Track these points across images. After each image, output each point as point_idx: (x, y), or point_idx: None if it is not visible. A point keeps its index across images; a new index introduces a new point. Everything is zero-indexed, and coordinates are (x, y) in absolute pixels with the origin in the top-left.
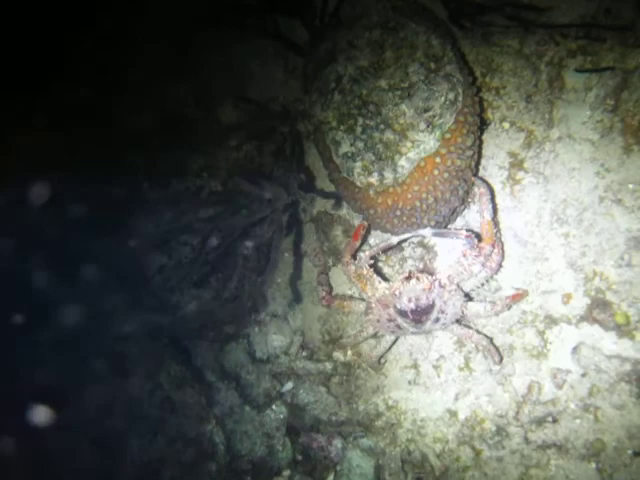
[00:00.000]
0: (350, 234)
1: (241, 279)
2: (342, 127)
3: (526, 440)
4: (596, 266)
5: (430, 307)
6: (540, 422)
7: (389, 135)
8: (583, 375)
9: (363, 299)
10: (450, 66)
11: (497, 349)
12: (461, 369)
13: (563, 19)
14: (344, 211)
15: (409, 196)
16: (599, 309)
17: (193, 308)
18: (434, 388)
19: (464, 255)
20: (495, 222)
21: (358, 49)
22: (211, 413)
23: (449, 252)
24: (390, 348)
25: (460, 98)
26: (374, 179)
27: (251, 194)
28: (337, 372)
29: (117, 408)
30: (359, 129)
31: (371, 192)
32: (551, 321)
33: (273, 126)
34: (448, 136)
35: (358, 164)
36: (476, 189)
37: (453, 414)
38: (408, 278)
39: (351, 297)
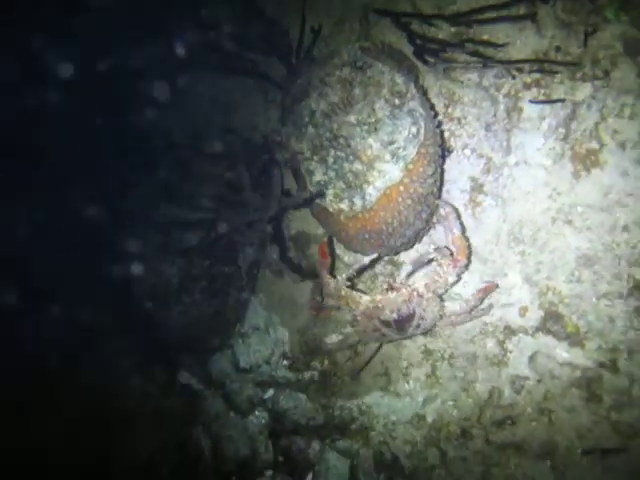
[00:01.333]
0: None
1: (225, 295)
2: (315, 158)
3: (488, 441)
4: (549, 281)
5: (411, 316)
6: (500, 424)
7: (358, 166)
8: (539, 381)
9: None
10: (413, 102)
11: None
12: (428, 376)
13: (518, 54)
14: (320, 231)
15: (376, 221)
16: (552, 321)
17: (180, 323)
18: (404, 394)
19: (439, 265)
20: (465, 236)
21: (329, 86)
22: (198, 419)
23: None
24: (374, 356)
25: (422, 131)
26: (345, 205)
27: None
28: (315, 380)
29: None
30: (331, 160)
31: (342, 217)
32: (510, 332)
33: (254, 155)
34: (411, 166)
35: (330, 192)
36: (441, 210)
37: (421, 418)
38: (389, 290)
39: (338, 307)
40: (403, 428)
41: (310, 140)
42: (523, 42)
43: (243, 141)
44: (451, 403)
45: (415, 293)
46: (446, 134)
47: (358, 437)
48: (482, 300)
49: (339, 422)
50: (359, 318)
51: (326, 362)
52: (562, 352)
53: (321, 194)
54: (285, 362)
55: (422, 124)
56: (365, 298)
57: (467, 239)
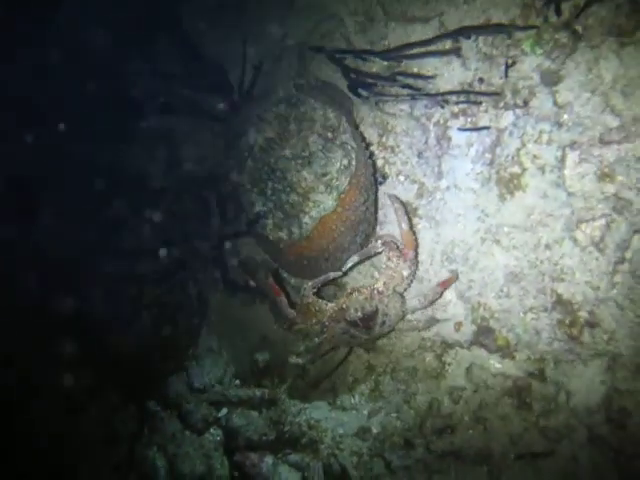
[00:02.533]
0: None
1: (177, 321)
2: (255, 189)
3: (429, 450)
4: (480, 298)
5: (375, 312)
6: (440, 434)
7: (294, 197)
8: (475, 392)
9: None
10: (345, 135)
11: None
12: (372, 390)
13: (446, 86)
14: (266, 256)
15: (313, 247)
16: (484, 335)
17: (134, 349)
18: (350, 408)
19: (389, 259)
20: (412, 230)
21: (266, 122)
22: (153, 439)
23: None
24: (341, 363)
25: (353, 163)
26: (283, 234)
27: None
28: (265, 398)
29: (69, 444)
30: (269, 191)
31: (282, 245)
32: (447, 346)
33: (199, 187)
34: (343, 196)
35: (270, 221)
36: (391, 204)
37: (367, 430)
38: (350, 293)
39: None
40: (350, 440)
41: (250, 173)
42: (450, 74)
43: (189, 174)
44: (394, 415)
45: (375, 291)
46: (381, 162)
47: (308, 450)
48: (441, 294)
49: (290, 437)
50: (327, 324)
51: (276, 380)
52: (495, 363)
53: (258, 220)
54: (237, 381)
55: (353, 156)
56: (330, 305)
57: (414, 233)
